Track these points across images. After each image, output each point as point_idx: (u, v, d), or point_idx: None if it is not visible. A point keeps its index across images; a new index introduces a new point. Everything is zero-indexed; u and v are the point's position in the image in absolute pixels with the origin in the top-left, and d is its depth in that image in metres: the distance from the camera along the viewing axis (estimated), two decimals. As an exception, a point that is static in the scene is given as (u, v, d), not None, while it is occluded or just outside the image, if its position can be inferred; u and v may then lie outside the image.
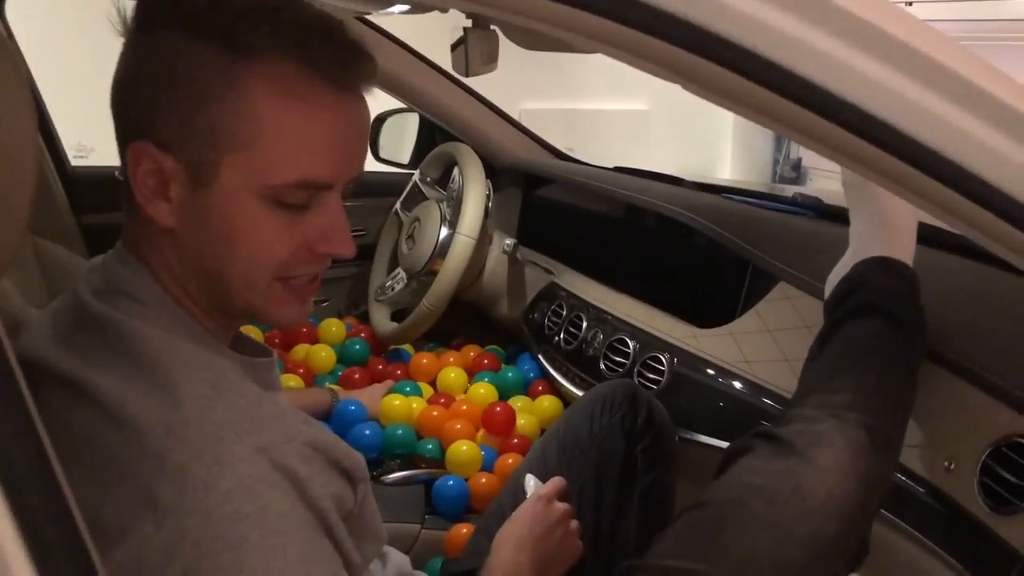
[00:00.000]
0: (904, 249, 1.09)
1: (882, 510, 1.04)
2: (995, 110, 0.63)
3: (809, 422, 0.87)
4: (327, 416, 1.55)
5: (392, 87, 1.92)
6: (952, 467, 1.02)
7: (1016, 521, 0.93)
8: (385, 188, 2.05)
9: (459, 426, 1.55)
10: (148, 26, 0.69)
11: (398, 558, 0.99)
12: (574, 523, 1.05)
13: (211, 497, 0.61)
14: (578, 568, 1.05)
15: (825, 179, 4.00)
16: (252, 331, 1.66)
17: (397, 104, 2.06)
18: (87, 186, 1.82)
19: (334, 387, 1.67)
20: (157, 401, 0.65)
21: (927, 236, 1.19)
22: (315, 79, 0.67)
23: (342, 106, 0.69)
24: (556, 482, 1.08)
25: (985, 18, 3.45)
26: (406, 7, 1.24)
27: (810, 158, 4.35)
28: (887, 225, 1.11)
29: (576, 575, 1.05)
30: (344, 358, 1.81)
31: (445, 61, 1.92)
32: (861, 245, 1.12)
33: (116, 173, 0.74)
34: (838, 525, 0.81)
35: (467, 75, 1.23)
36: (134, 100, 0.69)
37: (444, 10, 1.28)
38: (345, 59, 0.68)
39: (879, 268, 1.07)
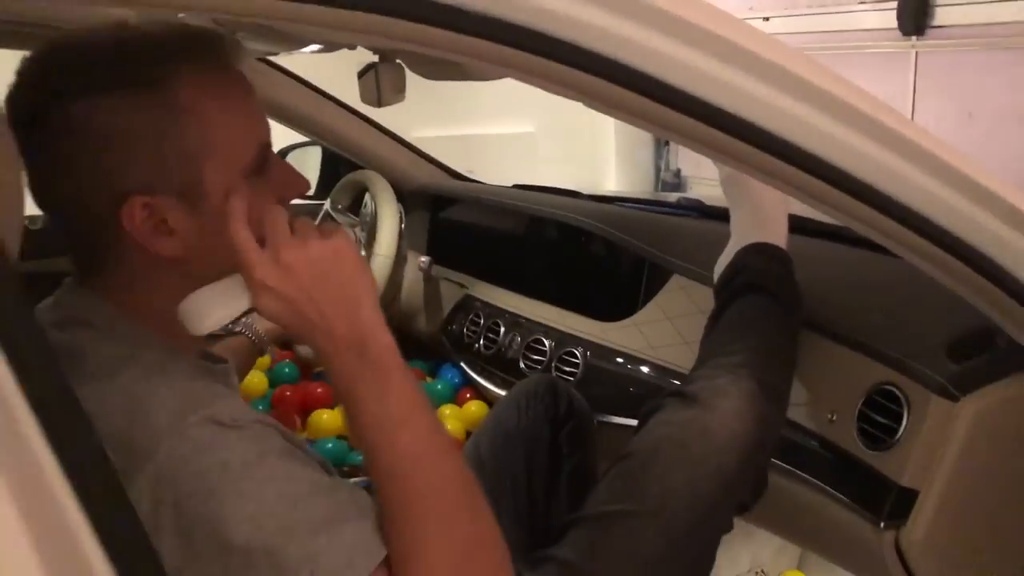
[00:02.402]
0: (777, 235, 1.26)
1: (778, 461, 1.20)
2: (837, 106, 0.78)
3: (709, 379, 1.02)
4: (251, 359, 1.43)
5: (295, 122, 2.00)
6: (834, 418, 1.18)
7: (889, 455, 1.09)
8: (294, 219, 2.12)
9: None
10: (46, 114, 0.73)
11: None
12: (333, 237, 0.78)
13: (173, 463, 0.66)
14: (514, 546, 1.16)
15: (704, 186, 4.25)
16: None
17: (298, 138, 2.14)
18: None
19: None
20: (121, 404, 0.70)
21: (801, 226, 1.37)
22: (216, 73, 0.77)
23: (239, 82, 0.79)
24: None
25: (832, 29, 3.77)
26: (317, 47, 1.34)
27: (688, 168, 4.61)
28: (761, 216, 1.28)
29: (514, 553, 1.16)
30: (275, 382, 1.88)
31: (341, 94, 2.02)
32: (740, 235, 1.29)
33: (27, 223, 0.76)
34: (740, 459, 0.96)
35: (379, 105, 1.33)
36: (78, 172, 0.74)
37: (352, 47, 1.40)
38: (224, 51, 0.78)
39: (757, 253, 1.24)
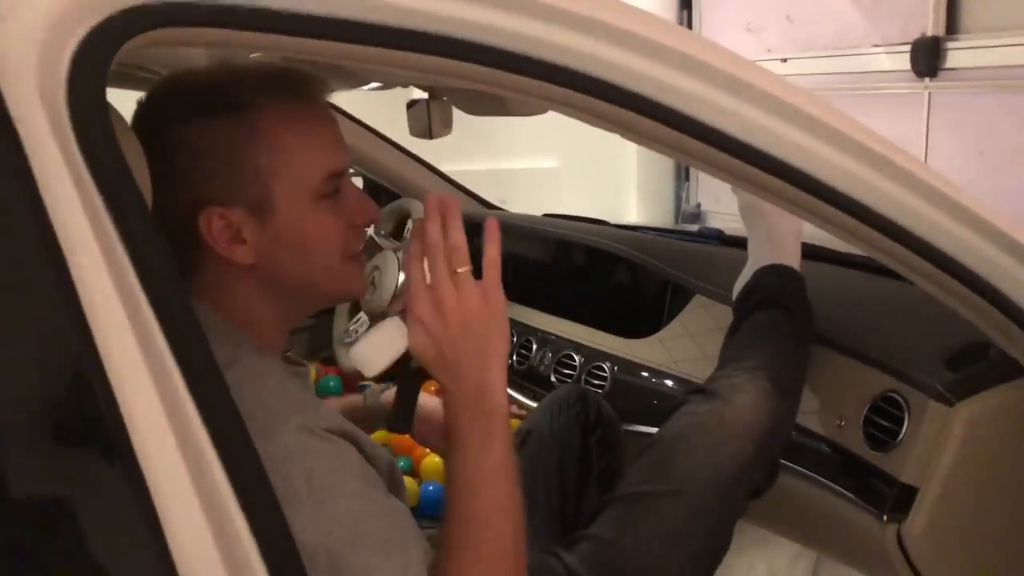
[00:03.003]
0: (790, 257, 1.39)
1: (791, 464, 1.31)
2: (852, 145, 0.89)
3: (727, 378, 1.16)
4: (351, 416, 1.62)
5: (342, 154, 2.15)
6: (843, 424, 1.29)
7: (891, 456, 1.20)
8: (338, 245, 2.26)
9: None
10: (155, 131, 0.84)
11: None
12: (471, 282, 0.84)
13: (265, 464, 0.72)
14: (549, 539, 1.27)
15: (722, 220, 4.38)
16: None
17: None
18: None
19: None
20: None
21: (814, 253, 1.50)
22: (295, 104, 0.87)
23: (322, 115, 0.90)
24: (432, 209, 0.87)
25: (847, 71, 3.90)
26: (376, 85, 1.48)
27: (708, 202, 4.74)
28: (776, 240, 1.40)
29: (549, 543, 1.26)
30: (321, 393, 2.00)
31: (383, 128, 2.16)
32: (757, 257, 1.42)
33: None
34: (754, 447, 1.08)
35: (430, 137, 1.48)
36: (172, 183, 0.83)
37: (405, 86, 1.54)
38: (307, 86, 0.90)
39: (772, 273, 1.36)
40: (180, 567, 0.57)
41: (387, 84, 1.44)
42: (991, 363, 1.19)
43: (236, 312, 0.89)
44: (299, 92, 0.89)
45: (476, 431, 0.82)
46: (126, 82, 1.58)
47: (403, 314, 0.86)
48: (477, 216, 2.29)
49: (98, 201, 0.56)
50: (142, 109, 0.89)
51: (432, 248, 0.83)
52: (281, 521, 0.64)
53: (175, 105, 0.87)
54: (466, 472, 0.82)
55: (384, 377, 1.03)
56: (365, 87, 1.47)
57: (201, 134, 0.85)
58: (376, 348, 0.87)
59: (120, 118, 0.80)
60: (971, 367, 1.21)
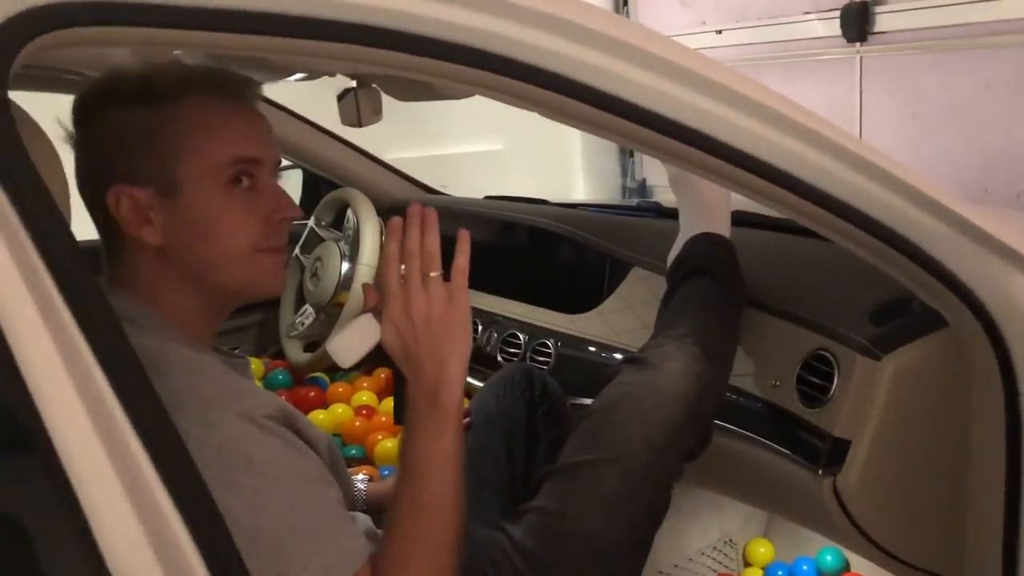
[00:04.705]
0: (720, 224, 1.41)
1: (730, 425, 1.35)
2: (754, 106, 0.92)
3: (658, 347, 1.18)
4: None
5: (281, 148, 2.14)
6: (777, 383, 1.33)
7: (824, 411, 1.24)
8: (281, 238, 2.26)
9: (381, 435, 1.78)
10: (86, 118, 0.92)
11: (362, 518, 1.21)
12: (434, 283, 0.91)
13: (205, 452, 0.74)
14: (500, 513, 1.29)
15: (668, 193, 4.41)
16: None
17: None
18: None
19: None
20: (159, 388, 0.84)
21: (743, 220, 1.53)
22: (217, 97, 0.92)
23: (242, 109, 0.94)
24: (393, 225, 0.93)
25: (781, 39, 3.96)
26: (300, 75, 1.48)
27: (653, 177, 4.78)
28: (705, 209, 1.43)
29: (494, 524, 1.28)
30: (269, 388, 2.01)
31: (318, 119, 2.16)
32: (688, 226, 1.44)
33: None
34: (684, 412, 1.11)
35: (360, 125, 1.48)
36: (98, 166, 0.91)
37: (332, 75, 1.54)
38: (238, 82, 0.95)
39: (702, 241, 1.39)
40: (110, 559, 0.57)
41: (312, 75, 1.44)
42: (915, 316, 1.22)
43: (159, 302, 0.92)
44: (221, 87, 0.93)
45: (430, 422, 0.89)
46: (52, 85, 1.57)
47: (375, 311, 0.93)
48: (420, 202, 2.31)
49: (3, 198, 0.56)
50: (76, 102, 0.94)
51: (410, 253, 0.90)
52: (212, 508, 0.64)
53: (103, 95, 0.92)
54: (417, 459, 0.89)
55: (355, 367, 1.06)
56: (291, 78, 1.47)
57: (121, 120, 0.90)
58: (351, 342, 0.93)
59: (29, 119, 0.80)
60: (895, 321, 1.25)
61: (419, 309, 0.89)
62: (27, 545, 0.61)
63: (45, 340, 0.57)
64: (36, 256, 0.57)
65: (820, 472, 1.22)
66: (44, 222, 0.58)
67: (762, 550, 1.82)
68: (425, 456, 0.88)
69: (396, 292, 0.90)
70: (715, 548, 1.86)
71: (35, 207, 0.58)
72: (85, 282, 0.60)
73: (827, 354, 1.26)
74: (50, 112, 0.94)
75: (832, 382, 1.24)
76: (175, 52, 1.20)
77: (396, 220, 0.92)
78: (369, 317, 0.93)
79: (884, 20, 3.58)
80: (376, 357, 2.16)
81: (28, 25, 0.60)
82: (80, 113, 0.93)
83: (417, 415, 0.90)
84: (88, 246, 0.81)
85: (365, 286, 0.98)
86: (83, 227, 0.86)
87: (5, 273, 0.56)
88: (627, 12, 4.66)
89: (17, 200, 0.57)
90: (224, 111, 0.92)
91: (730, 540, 1.89)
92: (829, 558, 1.75)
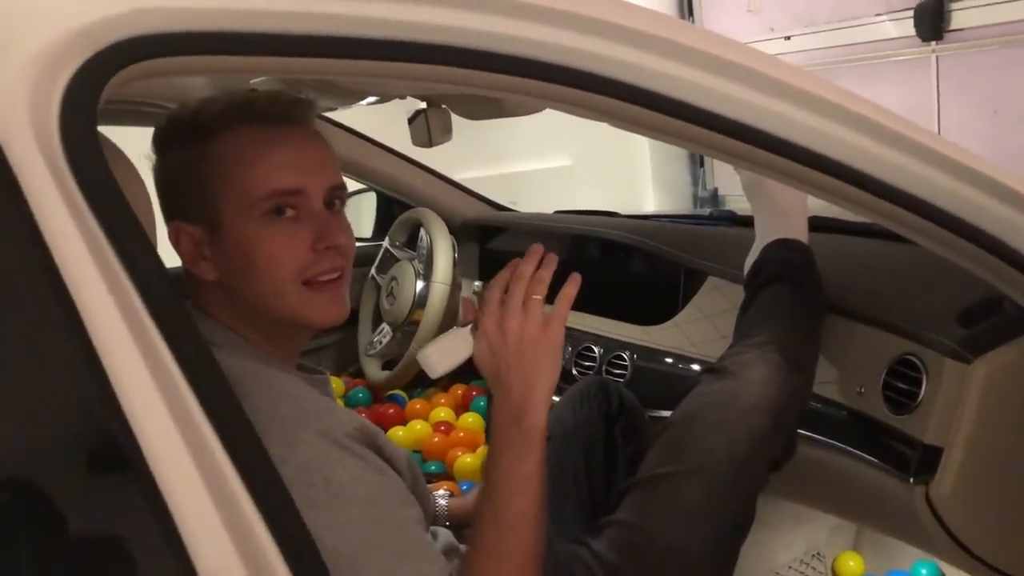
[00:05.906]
0: (796, 229, 1.39)
1: (815, 434, 1.32)
2: (838, 111, 0.90)
3: (738, 355, 1.16)
4: None
5: (352, 171, 2.19)
6: (863, 391, 1.29)
7: (913, 418, 1.20)
8: (357, 260, 2.30)
9: (460, 451, 1.79)
10: (155, 153, 0.95)
11: (443, 533, 1.22)
12: (535, 307, 0.92)
13: (285, 471, 0.74)
14: (581, 528, 1.28)
15: (741, 202, 4.36)
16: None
17: (354, 186, 2.33)
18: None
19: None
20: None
21: (820, 225, 1.50)
22: (260, 124, 0.90)
23: (290, 135, 0.91)
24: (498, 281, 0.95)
25: (852, 43, 3.88)
26: (372, 99, 1.51)
27: (725, 186, 4.73)
28: (781, 214, 1.41)
29: (575, 538, 1.27)
30: (350, 405, 2.04)
31: (390, 141, 2.20)
32: (764, 233, 1.42)
33: None
34: (768, 421, 1.09)
35: (430, 145, 1.49)
36: (163, 202, 0.95)
37: (403, 98, 1.57)
38: (284, 106, 0.93)
39: (779, 247, 1.37)
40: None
41: (383, 98, 1.47)
42: (1005, 317, 1.18)
43: (236, 327, 0.93)
44: (260, 116, 0.91)
45: (514, 443, 0.89)
46: (134, 118, 1.63)
47: (472, 326, 0.94)
48: (491, 219, 2.34)
49: (96, 230, 0.59)
50: (152, 137, 0.96)
51: (519, 276, 0.93)
52: (300, 525, 0.65)
53: (162, 131, 0.95)
54: (500, 479, 0.89)
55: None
56: (363, 101, 1.49)
57: (173, 156, 0.93)
58: (442, 353, 0.95)
59: (117, 150, 0.83)
60: (985, 323, 1.21)
61: (513, 328, 0.90)
62: (124, 563, 0.63)
63: (138, 362, 0.59)
64: (129, 284, 0.59)
65: (911, 481, 1.18)
66: (136, 253, 0.60)
67: (852, 563, 1.77)
68: (508, 477, 0.88)
69: (494, 309, 0.91)
70: (802, 561, 1.81)
71: (126, 240, 0.60)
72: (174, 307, 0.62)
73: (914, 359, 1.22)
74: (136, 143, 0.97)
75: (920, 388, 1.20)
76: (251, 80, 1.24)
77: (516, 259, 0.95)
78: (464, 331, 0.95)
79: (960, 17, 3.50)
80: (456, 374, 2.18)
81: (114, 58, 0.62)
82: (153, 148, 0.96)
83: (501, 435, 0.90)
84: (176, 272, 0.84)
85: (464, 300, 0.99)
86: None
87: (102, 303, 0.58)
88: (692, 21, 4.64)
89: (111, 234, 0.59)
90: (264, 142, 0.90)
91: (818, 553, 1.84)
92: (924, 572, 1.69)
